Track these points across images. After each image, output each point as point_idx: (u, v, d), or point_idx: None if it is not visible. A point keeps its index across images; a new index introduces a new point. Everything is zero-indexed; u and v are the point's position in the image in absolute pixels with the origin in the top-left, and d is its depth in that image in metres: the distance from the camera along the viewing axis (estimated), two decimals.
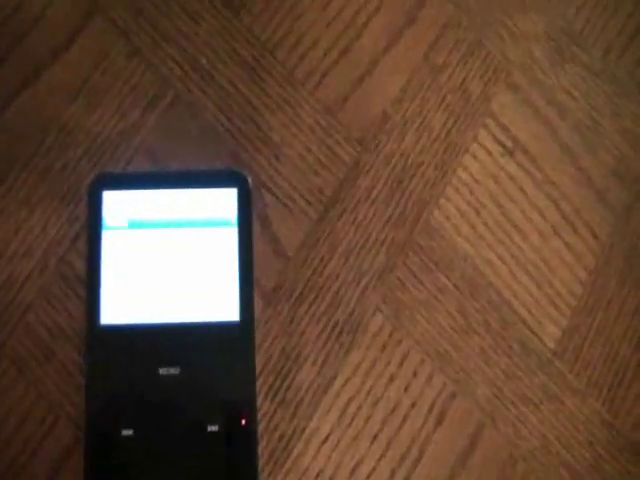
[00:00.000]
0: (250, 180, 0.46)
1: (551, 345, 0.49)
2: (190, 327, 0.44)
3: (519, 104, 0.53)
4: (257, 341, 0.45)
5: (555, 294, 0.50)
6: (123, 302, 0.44)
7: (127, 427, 0.42)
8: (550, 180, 0.52)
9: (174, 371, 0.43)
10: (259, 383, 0.45)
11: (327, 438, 0.46)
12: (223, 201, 0.46)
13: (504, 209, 0.51)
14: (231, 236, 0.45)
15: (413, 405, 0.47)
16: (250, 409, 0.43)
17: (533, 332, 0.49)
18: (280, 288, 0.47)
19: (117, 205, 0.45)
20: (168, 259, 0.45)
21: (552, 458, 0.48)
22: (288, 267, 0.48)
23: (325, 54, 0.51)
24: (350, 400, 0.47)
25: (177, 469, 0.42)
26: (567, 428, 0.49)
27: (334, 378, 0.47)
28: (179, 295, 0.44)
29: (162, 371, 0.43)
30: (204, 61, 0.50)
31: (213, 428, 0.42)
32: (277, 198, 0.49)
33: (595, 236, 0.52)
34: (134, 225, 0.45)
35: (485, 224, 0.50)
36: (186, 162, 0.48)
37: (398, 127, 0.51)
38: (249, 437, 0.43)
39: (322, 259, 0.48)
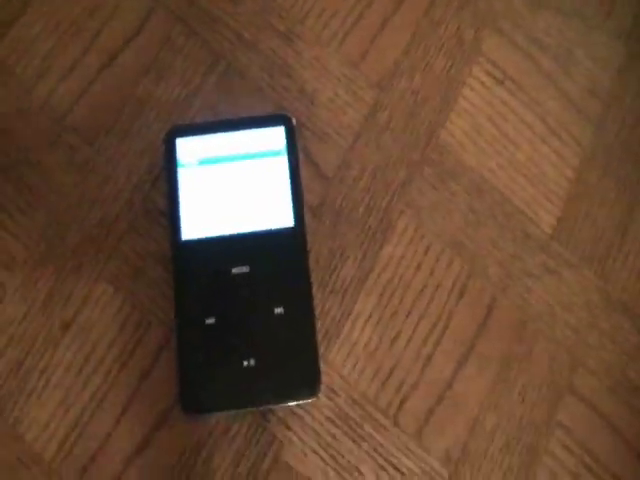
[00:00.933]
0: (294, 120, 0.49)
1: (548, 231, 0.51)
2: (254, 234, 0.46)
3: (505, 44, 0.54)
4: (308, 245, 0.47)
5: (548, 190, 0.52)
6: (199, 221, 0.47)
7: (210, 316, 0.45)
8: (536, 101, 0.53)
9: (245, 269, 0.46)
10: (312, 278, 0.47)
11: (370, 317, 0.49)
12: (274, 137, 0.48)
13: (499, 127, 0.53)
14: (282, 163, 0.48)
15: (437, 286, 0.50)
16: (307, 295, 0.46)
17: (532, 221, 0.51)
18: (323, 203, 0.50)
19: (189, 148, 0.48)
20: (233, 185, 0.47)
21: (556, 319, 0.50)
22: (328, 186, 0.51)
23: (344, 19, 0.54)
24: (386, 285, 0.49)
25: (251, 346, 0.45)
26: (567, 295, 0.50)
27: (372, 269, 0.49)
28: (244, 211, 0.47)
29: (235, 270, 0.46)
30: (247, 35, 0.53)
31: (279, 310, 0.45)
32: (315, 134, 0.51)
33: (577, 141, 0.53)
34: (204, 162, 0.48)
35: (485, 140, 0.52)
36: (240, 114, 0.51)
37: (408, 71, 0.53)
38: (308, 316, 0.45)
39: (355, 178, 0.51)
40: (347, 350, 0.48)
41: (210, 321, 0.45)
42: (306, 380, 0.45)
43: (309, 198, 0.50)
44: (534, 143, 0.53)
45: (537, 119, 0.53)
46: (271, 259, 0.46)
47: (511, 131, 0.53)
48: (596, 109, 0.54)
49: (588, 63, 0.55)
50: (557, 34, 0.55)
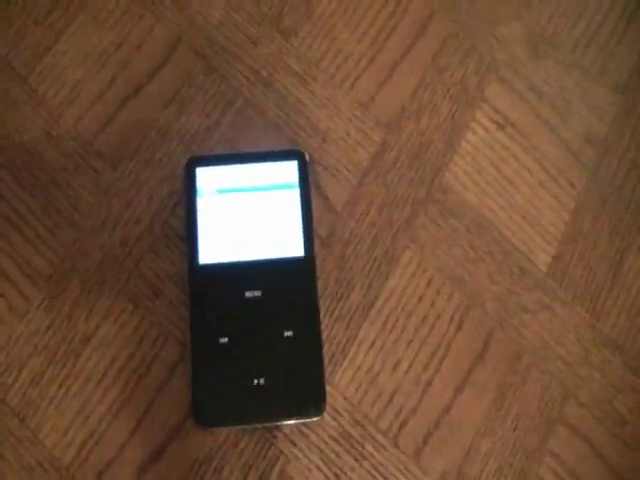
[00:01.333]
0: (307, 155, 0.52)
1: (543, 269, 0.54)
2: (267, 261, 0.50)
3: (507, 91, 0.57)
4: (317, 273, 0.50)
5: (544, 230, 0.55)
6: (215, 247, 0.50)
7: (223, 336, 0.48)
8: (535, 146, 0.56)
9: (257, 294, 0.49)
10: (320, 304, 0.50)
11: (373, 343, 0.51)
12: (287, 171, 0.52)
13: (500, 169, 0.56)
14: (295, 195, 0.51)
15: (438, 317, 0.52)
16: (315, 320, 0.49)
17: (529, 259, 0.54)
18: (332, 235, 0.53)
19: (207, 178, 0.51)
20: (248, 214, 0.51)
21: (550, 353, 0.52)
22: (337, 219, 0.54)
23: (357, 63, 0.57)
24: (389, 314, 0.52)
25: (261, 366, 0.48)
26: (560, 330, 0.53)
27: (376, 298, 0.52)
28: (258, 239, 0.50)
29: (248, 294, 0.49)
30: (265, 74, 0.56)
31: (288, 333, 0.48)
32: (326, 170, 0.54)
33: (573, 186, 0.56)
34: (221, 192, 0.51)
35: (486, 181, 0.55)
36: (256, 148, 0.54)
37: (415, 114, 0.56)
38: (316, 340, 0.48)
39: (362, 213, 0.54)
40: (351, 374, 0.51)
41: (223, 340, 0.48)
42: (312, 400, 0.48)
43: (319, 229, 0.53)
44: (532, 186, 0.56)
45: (536, 163, 0.56)
46: (282, 285, 0.50)
47: (511, 174, 0.56)
48: (591, 156, 0.57)
49: (584, 112, 0.58)
50: (556, 83, 0.58)
